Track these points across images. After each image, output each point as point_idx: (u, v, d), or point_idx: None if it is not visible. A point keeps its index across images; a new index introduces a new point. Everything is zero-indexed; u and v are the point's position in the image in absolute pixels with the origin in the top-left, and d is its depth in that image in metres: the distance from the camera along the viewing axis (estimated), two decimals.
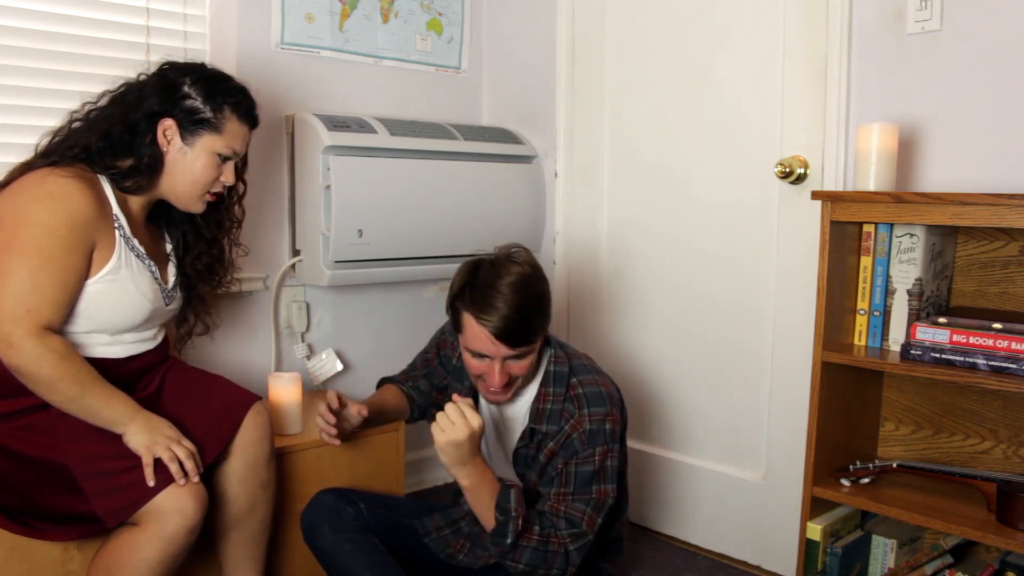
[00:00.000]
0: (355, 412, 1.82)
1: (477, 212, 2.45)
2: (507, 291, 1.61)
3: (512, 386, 1.72)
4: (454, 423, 1.59)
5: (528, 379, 1.74)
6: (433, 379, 1.99)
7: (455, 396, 1.64)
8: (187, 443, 1.56)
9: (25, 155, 1.65)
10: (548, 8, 2.56)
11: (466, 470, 1.62)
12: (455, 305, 1.68)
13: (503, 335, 1.61)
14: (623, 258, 2.46)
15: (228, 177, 1.69)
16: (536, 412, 1.72)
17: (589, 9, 2.48)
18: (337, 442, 1.81)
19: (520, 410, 1.77)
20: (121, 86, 1.66)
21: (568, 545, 1.64)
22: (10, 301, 1.44)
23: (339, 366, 2.40)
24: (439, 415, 1.62)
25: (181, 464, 1.53)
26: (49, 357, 1.45)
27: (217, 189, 1.70)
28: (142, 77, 1.66)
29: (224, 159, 1.67)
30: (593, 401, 1.70)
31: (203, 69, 1.68)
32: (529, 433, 1.74)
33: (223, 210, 1.81)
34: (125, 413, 1.54)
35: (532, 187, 2.59)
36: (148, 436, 1.53)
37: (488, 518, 1.64)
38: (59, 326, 1.51)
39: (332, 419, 1.79)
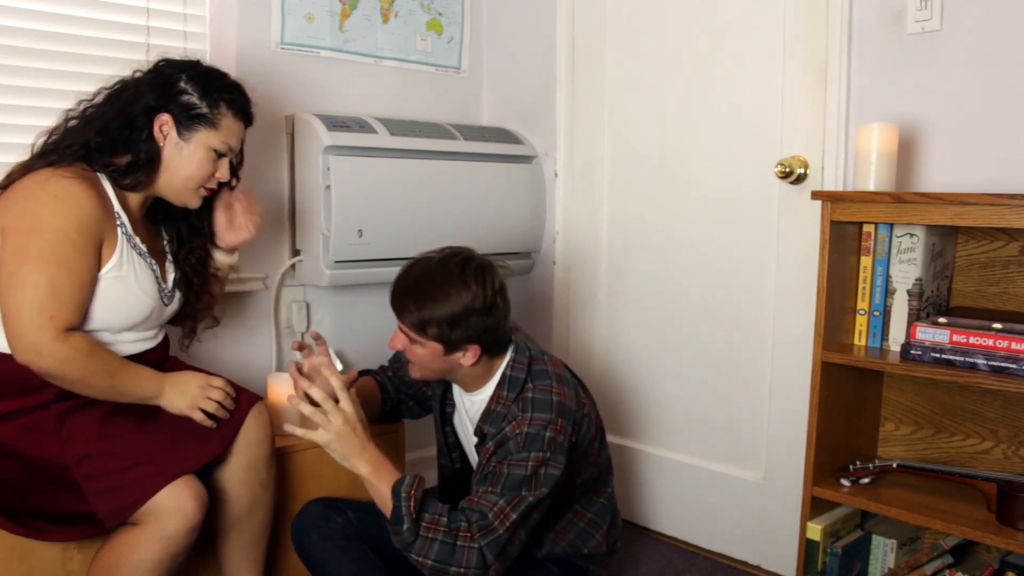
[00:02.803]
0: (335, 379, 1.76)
1: (477, 212, 2.45)
2: (420, 298, 1.63)
3: (415, 366, 1.72)
4: (327, 413, 1.58)
5: (481, 379, 1.72)
6: None
7: (318, 378, 1.66)
8: (216, 382, 1.64)
9: (22, 155, 1.65)
10: (548, 8, 2.56)
11: (363, 459, 1.60)
12: None
13: (393, 301, 1.68)
14: (623, 258, 2.46)
15: (223, 173, 1.70)
16: (486, 412, 1.70)
17: (589, 9, 2.48)
18: (297, 400, 1.75)
19: (479, 408, 1.75)
20: (117, 83, 1.66)
21: (479, 540, 1.53)
22: (31, 311, 1.45)
23: (339, 366, 2.39)
24: (308, 413, 1.58)
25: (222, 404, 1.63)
26: (77, 358, 1.48)
27: (212, 184, 1.71)
28: (138, 74, 1.67)
29: (220, 155, 1.68)
30: (539, 407, 1.64)
31: (199, 66, 1.69)
32: (480, 433, 1.71)
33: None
34: (152, 387, 1.60)
35: (532, 187, 2.59)
36: (183, 399, 1.60)
37: (387, 507, 1.57)
38: (80, 325, 1.53)
39: (294, 347, 1.80)
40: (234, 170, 1.76)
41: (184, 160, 1.64)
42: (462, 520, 1.56)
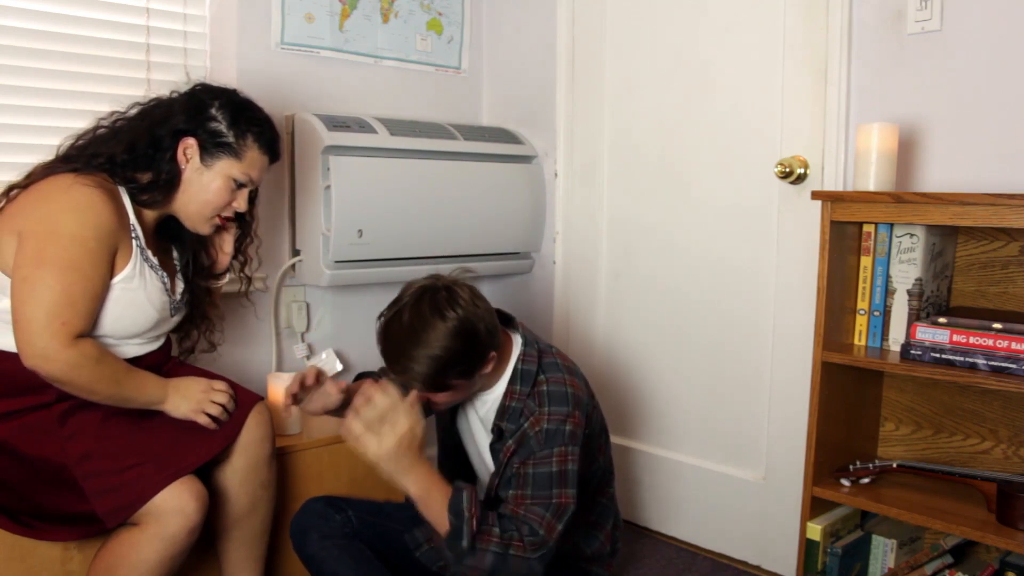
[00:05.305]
0: (333, 389, 1.71)
1: (477, 212, 2.45)
2: (420, 360, 1.54)
3: (444, 404, 1.67)
4: (380, 430, 1.50)
5: (493, 376, 1.70)
6: None
7: (376, 383, 1.54)
8: (218, 385, 1.64)
9: (23, 155, 1.65)
10: (548, 8, 2.56)
11: (411, 478, 1.53)
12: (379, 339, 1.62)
13: (396, 372, 1.57)
14: (623, 257, 2.46)
15: (241, 204, 1.70)
16: (502, 409, 1.69)
17: (589, 9, 2.48)
18: (290, 412, 1.70)
19: (492, 407, 1.73)
20: (151, 101, 1.68)
21: (531, 552, 1.55)
22: (44, 316, 1.45)
23: (339, 366, 2.40)
24: (354, 423, 1.51)
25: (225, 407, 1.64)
26: (86, 364, 1.48)
27: (228, 213, 1.71)
28: (174, 95, 1.68)
29: (239, 185, 1.68)
30: (555, 400, 1.64)
31: (233, 95, 1.69)
32: (497, 430, 1.70)
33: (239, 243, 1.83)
34: (157, 394, 1.60)
35: (532, 187, 2.59)
36: (187, 403, 1.61)
37: (443, 524, 1.54)
38: (90, 332, 1.53)
39: (295, 389, 1.69)
40: (251, 203, 1.76)
41: (203, 186, 1.65)
42: (513, 530, 1.56)
